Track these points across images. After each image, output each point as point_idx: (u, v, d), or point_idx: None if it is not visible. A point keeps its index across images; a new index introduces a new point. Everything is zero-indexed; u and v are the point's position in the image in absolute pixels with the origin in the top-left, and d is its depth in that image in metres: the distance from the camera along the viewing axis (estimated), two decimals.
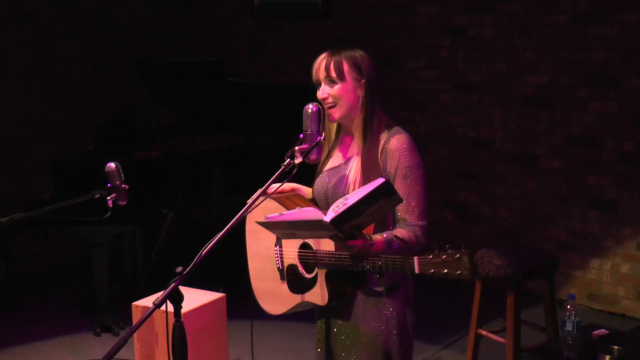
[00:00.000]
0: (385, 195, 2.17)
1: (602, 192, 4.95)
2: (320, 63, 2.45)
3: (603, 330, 3.64)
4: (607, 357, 3.23)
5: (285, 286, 2.54)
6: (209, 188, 4.81)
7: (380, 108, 2.45)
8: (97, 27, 6.19)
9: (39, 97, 5.88)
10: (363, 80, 2.43)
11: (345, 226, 2.15)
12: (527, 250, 4.01)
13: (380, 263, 2.26)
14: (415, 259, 2.14)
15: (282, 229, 2.31)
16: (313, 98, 2.46)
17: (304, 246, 2.48)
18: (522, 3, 5.18)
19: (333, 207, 2.16)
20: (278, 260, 2.56)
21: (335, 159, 2.54)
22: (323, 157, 2.56)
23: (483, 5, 5.36)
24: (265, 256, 2.61)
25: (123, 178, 2.91)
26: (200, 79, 4.97)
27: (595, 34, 4.86)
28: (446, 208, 5.68)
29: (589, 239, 5.04)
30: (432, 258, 2.12)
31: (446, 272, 2.09)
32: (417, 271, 2.15)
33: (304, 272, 2.49)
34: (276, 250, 2.57)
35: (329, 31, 6.18)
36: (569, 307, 4.03)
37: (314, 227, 2.20)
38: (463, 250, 2.08)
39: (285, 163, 2.32)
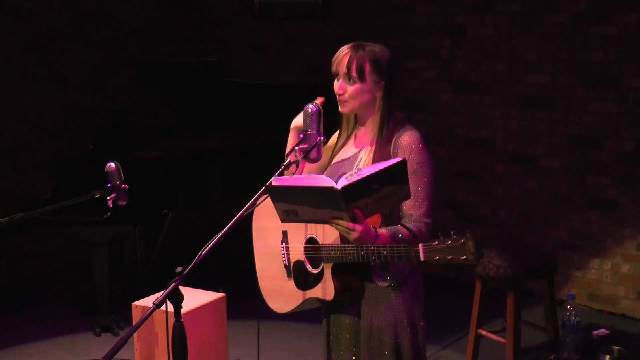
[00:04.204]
0: (397, 179, 2.17)
1: (602, 192, 4.95)
2: (343, 57, 2.42)
3: (603, 330, 3.64)
4: (607, 357, 3.23)
5: (291, 283, 2.54)
6: (208, 188, 4.81)
7: (395, 106, 2.46)
8: (97, 27, 6.19)
9: (39, 97, 5.88)
10: (382, 82, 2.43)
11: (352, 203, 2.14)
12: (527, 250, 4.01)
13: (385, 253, 2.26)
14: (420, 246, 2.14)
15: (286, 202, 2.26)
16: (313, 98, 2.46)
17: (310, 241, 2.48)
18: (522, 3, 5.17)
19: (346, 175, 2.16)
20: (284, 257, 2.56)
21: (345, 152, 2.53)
22: (338, 145, 2.57)
23: (483, 5, 5.36)
24: (271, 254, 2.61)
25: (123, 178, 2.92)
26: (200, 79, 4.97)
27: (595, 34, 4.86)
28: (446, 208, 5.68)
29: (589, 239, 5.04)
30: (437, 244, 2.11)
31: (451, 258, 2.08)
32: (422, 258, 2.14)
33: (310, 267, 2.49)
34: (282, 247, 2.56)
35: (329, 31, 6.18)
36: (569, 307, 4.03)
37: (321, 199, 2.17)
38: (468, 235, 2.08)
39: (285, 163, 2.32)
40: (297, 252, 2.52)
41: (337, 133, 2.62)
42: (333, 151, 2.57)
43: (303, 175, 2.33)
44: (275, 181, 2.22)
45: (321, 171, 2.56)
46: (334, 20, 6.16)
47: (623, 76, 4.78)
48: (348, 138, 2.56)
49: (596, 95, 4.91)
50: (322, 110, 2.38)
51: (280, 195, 2.25)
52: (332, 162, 2.54)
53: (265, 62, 6.71)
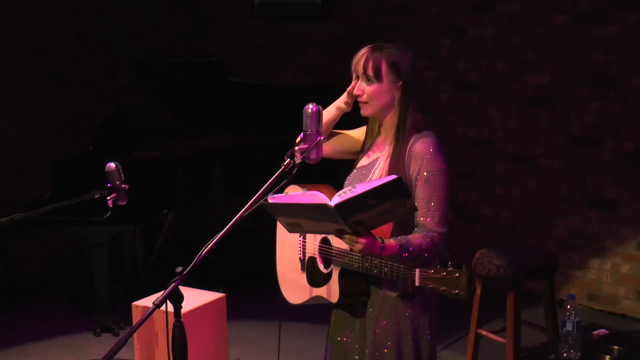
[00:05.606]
0: (395, 195, 2.12)
1: (602, 192, 4.95)
2: (360, 58, 2.41)
3: (603, 330, 3.63)
4: (607, 357, 3.22)
5: (304, 277, 2.59)
6: (208, 188, 4.81)
7: (415, 109, 2.42)
8: (97, 27, 6.19)
9: (39, 97, 5.88)
10: (400, 83, 2.39)
11: (350, 218, 2.12)
12: (527, 250, 4.00)
13: (386, 270, 2.27)
14: (417, 271, 2.14)
15: (286, 216, 2.26)
16: (313, 98, 2.45)
17: (324, 241, 2.50)
18: (522, 3, 5.18)
19: (340, 192, 2.13)
20: (300, 251, 2.61)
21: (367, 157, 2.52)
22: (363, 150, 2.55)
23: (483, 5, 5.36)
24: (290, 245, 2.65)
25: (123, 178, 2.92)
26: (199, 79, 4.97)
27: (595, 34, 4.86)
28: None
29: (589, 239, 5.04)
30: (432, 273, 2.11)
31: (444, 290, 2.09)
32: (417, 284, 2.14)
33: (322, 266, 2.51)
34: (300, 240, 2.60)
35: (329, 31, 6.18)
36: (569, 307, 4.02)
37: (319, 214, 2.15)
38: (463, 269, 2.08)
39: (285, 163, 2.32)
40: (312, 248, 2.56)
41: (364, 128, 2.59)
42: (359, 154, 2.55)
43: (299, 193, 2.32)
44: (270, 199, 2.21)
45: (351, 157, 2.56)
46: (334, 20, 6.16)
47: (623, 76, 4.78)
48: (373, 143, 2.53)
49: (596, 95, 4.90)
50: (322, 110, 2.37)
51: (279, 211, 2.26)
52: (356, 167, 2.53)
53: (265, 62, 6.71)
